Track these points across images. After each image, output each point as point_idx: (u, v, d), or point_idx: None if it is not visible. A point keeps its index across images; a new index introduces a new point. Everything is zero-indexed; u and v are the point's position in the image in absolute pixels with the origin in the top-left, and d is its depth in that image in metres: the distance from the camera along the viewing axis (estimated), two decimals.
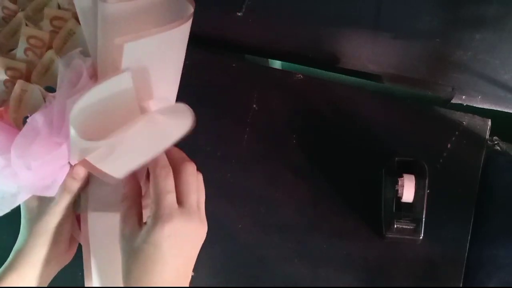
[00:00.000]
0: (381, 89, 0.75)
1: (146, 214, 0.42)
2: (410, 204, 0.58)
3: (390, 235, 0.59)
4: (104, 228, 0.44)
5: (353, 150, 0.66)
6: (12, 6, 0.39)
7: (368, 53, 0.68)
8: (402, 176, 0.57)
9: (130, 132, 0.36)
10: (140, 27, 0.31)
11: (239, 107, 0.70)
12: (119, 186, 0.44)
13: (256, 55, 0.78)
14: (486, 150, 0.62)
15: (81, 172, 0.42)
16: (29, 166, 0.34)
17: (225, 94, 0.71)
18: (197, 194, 0.41)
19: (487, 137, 0.63)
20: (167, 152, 0.42)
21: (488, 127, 0.63)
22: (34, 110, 0.36)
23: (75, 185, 0.43)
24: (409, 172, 0.58)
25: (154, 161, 0.40)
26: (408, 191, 0.57)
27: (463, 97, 0.66)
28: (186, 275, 0.40)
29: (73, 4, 0.36)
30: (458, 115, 0.64)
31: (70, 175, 0.42)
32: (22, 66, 0.37)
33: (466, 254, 0.60)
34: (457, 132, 0.63)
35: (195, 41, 0.75)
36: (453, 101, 0.67)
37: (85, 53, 0.36)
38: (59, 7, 0.39)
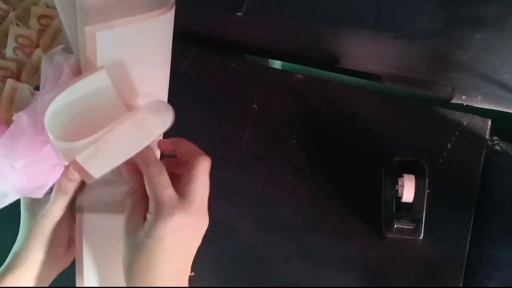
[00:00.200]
0: (381, 89, 0.75)
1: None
2: (410, 204, 0.58)
3: (390, 235, 0.59)
4: (100, 229, 0.43)
5: (353, 150, 0.66)
6: (4, 6, 0.40)
7: (368, 53, 0.68)
8: (402, 176, 0.57)
9: (115, 131, 0.35)
10: (120, 17, 0.30)
11: (239, 107, 0.70)
12: (116, 187, 0.43)
13: (256, 55, 0.78)
14: (486, 150, 0.62)
15: (76, 173, 0.40)
16: (13, 166, 0.34)
17: (225, 94, 0.71)
18: (204, 190, 0.40)
19: (487, 137, 0.63)
20: (179, 147, 0.41)
21: (488, 127, 0.63)
22: (24, 109, 0.36)
23: (71, 186, 0.42)
24: (409, 172, 0.58)
25: (145, 160, 0.39)
26: (408, 191, 0.57)
27: (463, 97, 0.67)
28: (187, 269, 0.40)
29: None
30: (458, 115, 0.64)
31: (65, 175, 0.41)
32: (12, 65, 0.37)
33: (466, 254, 0.60)
34: (457, 132, 0.63)
35: (195, 41, 0.75)
36: (453, 101, 0.67)
37: (69, 50, 0.36)
38: (47, 5, 0.39)
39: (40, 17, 0.38)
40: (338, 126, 0.67)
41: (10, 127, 0.34)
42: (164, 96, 0.42)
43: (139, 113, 0.36)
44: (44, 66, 0.34)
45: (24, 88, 0.37)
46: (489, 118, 0.63)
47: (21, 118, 0.33)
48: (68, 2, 0.30)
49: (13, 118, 0.33)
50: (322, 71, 0.75)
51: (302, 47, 0.72)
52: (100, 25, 0.29)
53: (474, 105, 0.67)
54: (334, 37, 0.69)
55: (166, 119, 0.36)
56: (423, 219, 0.58)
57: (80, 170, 0.36)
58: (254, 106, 0.70)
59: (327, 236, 0.64)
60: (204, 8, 0.74)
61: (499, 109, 0.66)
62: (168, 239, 0.37)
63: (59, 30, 0.38)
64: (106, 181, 0.43)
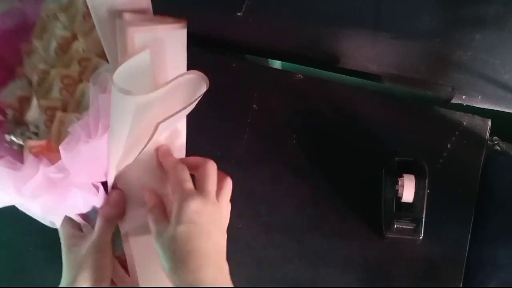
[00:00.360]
0: (381, 89, 0.75)
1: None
2: (410, 204, 0.58)
3: (390, 235, 0.59)
4: (148, 250, 0.44)
5: (353, 150, 0.66)
6: (46, 67, 0.44)
7: (368, 53, 0.68)
8: (402, 176, 0.57)
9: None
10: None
11: (239, 107, 0.70)
12: None
13: (256, 55, 0.78)
14: (486, 150, 0.62)
15: (118, 198, 0.43)
16: (77, 156, 0.36)
17: (225, 94, 0.71)
18: (221, 188, 0.44)
19: (487, 137, 0.63)
20: (186, 161, 0.45)
21: (488, 127, 0.63)
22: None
23: (113, 212, 0.43)
24: (409, 172, 0.58)
25: (171, 161, 0.44)
26: (408, 191, 0.57)
27: (463, 97, 0.67)
28: (224, 247, 0.42)
29: (96, 47, 0.42)
30: (458, 115, 0.64)
31: (107, 202, 0.42)
32: (58, 104, 0.42)
33: (466, 254, 0.60)
34: (457, 132, 0.63)
35: (195, 41, 0.75)
36: (453, 101, 0.67)
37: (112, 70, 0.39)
38: (83, 50, 0.45)
39: (80, 60, 0.43)
40: (338, 126, 0.67)
41: (67, 138, 0.37)
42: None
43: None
44: (91, 86, 0.38)
45: (71, 118, 0.40)
46: (489, 118, 0.63)
47: (75, 129, 0.37)
48: (105, 21, 0.35)
49: (69, 130, 0.37)
50: (322, 71, 0.75)
51: (302, 47, 0.72)
52: (139, 27, 0.34)
53: (474, 105, 0.67)
54: (334, 37, 0.69)
55: (199, 87, 0.41)
56: (423, 219, 0.58)
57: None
58: (254, 106, 0.70)
59: (327, 236, 0.64)
60: (204, 8, 0.74)
61: (499, 109, 0.66)
62: (197, 218, 0.40)
63: (97, 68, 0.43)
64: (143, 202, 0.44)
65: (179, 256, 0.39)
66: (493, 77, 0.63)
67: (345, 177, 0.65)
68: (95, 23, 0.36)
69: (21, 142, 0.41)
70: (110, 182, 0.42)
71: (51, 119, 0.41)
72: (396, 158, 0.60)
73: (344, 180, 0.65)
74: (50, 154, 0.39)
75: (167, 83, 0.36)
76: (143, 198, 0.44)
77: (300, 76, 0.70)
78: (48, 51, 0.45)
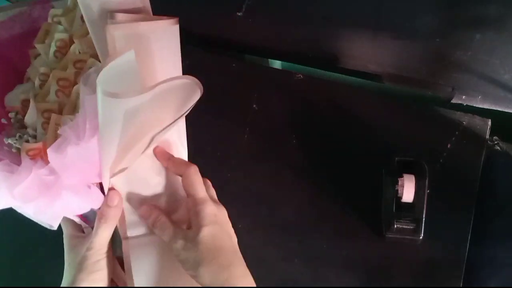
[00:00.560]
0: (381, 89, 0.75)
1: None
2: (410, 204, 0.58)
3: (390, 235, 0.59)
4: (145, 251, 0.45)
5: (353, 150, 0.66)
6: (46, 70, 0.45)
7: (368, 53, 0.68)
8: (402, 176, 0.57)
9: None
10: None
11: (239, 107, 0.70)
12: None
13: (256, 55, 0.78)
14: (486, 150, 0.62)
15: (116, 199, 0.43)
16: (65, 158, 0.36)
17: (225, 94, 0.71)
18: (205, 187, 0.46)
19: (487, 137, 0.63)
20: (171, 163, 0.46)
21: (488, 127, 0.63)
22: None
23: (112, 213, 0.43)
24: (409, 172, 0.58)
25: (183, 163, 0.45)
26: (408, 191, 0.57)
27: (463, 97, 0.67)
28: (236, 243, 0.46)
29: (90, 47, 0.43)
30: (458, 115, 0.64)
31: (105, 203, 0.43)
32: (55, 106, 0.42)
33: (466, 254, 0.60)
34: (457, 132, 0.63)
35: (195, 41, 0.75)
36: (453, 101, 0.67)
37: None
38: (79, 53, 0.45)
39: (75, 62, 0.44)
40: (338, 126, 0.67)
41: (57, 140, 0.37)
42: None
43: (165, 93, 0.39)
44: (82, 86, 0.38)
45: (66, 119, 0.40)
46: (489, 118, 0.63)
47: (66, 131, 0.37)
48: (97, 22, 0.35)
49: (58, 132, 0.37)
50: (322, 71, 0.75)
51: (302, 47, 0.72)
52: (120, 25, 0.34)
53: (474, 105, 0.67)
54: (334, 37, 0.69)
55: (193, 93, 0.40)
56: (423, 219, 0.57)
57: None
58: (254, 106, 0.70)
59: (327, 236, 0.64)
60: (204, 8, 0.74)
61: (499, 109, 0.66)
62: (216, 220, 0.43)
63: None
64: (142, 202, 0.45)
65: (210, 255, 0.41)
66: (493, 77, 0.63)
67: (345, 177, 0.65)
68: (87, 24, 0.36)
69: (18, 145, 0.41)
70: (105, 184, 0.42)
71: (48, 122, 0.41)
72: (396, 158, 0.60)
73: (344, 180, 0.65)
74: (46, 156, 0.39)
75: (155, 85, 0.36)
76: (140, 214, 0.45)
77: (300, 76, 0.70)
78: (49, 55, 0.46)
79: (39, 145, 0.40)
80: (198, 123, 0.70)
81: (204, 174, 0.46)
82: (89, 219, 0.47)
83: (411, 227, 0.58)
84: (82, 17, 0.45)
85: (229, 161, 0.68)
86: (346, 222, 0.63)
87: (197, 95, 0.40)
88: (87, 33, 0.43)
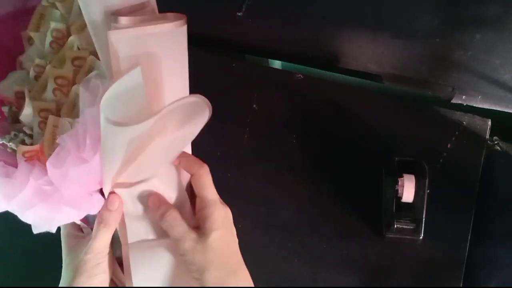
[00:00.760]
0: (381, 89, 0.75)
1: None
2: (410, 204, 0.58)
3: (390, 235, 0.59)
4: (145, 256, 0.44)
5: (353, 150, 0.66)
6: (41, 62, 0.43)
7: (368, 53, 0.68)
8: (402, 176, 0.57)
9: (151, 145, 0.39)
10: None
11: (239, 107, 0.70)
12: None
13: (256, 55, 0.78)
14: (486, 150, 0.62)
15: (116, 202, 0.42)
16: (66, 175, 0.35)
17: (225, 94, 0.71)
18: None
19: (487, 137, 0.63)
20: (184, 160, 0.45)
21: (488, 127, 0.63)
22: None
23: (112, 217, 0.42)
24: (409, 172, 0.58)
25: (195, 162, 0.44)
26: (408, 191, 0.57)
27: (463, 97, 0.67)
28: None
29: (90, 44, 0.40)
30: (458, 115, 0.64)
31: (105, 207, 0.42)
32: (52, 106, 0.41)
33: (466, 254, 0.60)
34: (457, 132, 0.63)
35: (195, 41, 0.75)
36: (453, 101, 0.67)
37: (103, 76, 0.38)
38: (78, 48, 0.43)
39: (73, 59, 0.42)
40: (338, 126, 0.67)
41: (56, 150, 0.36)
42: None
43: (170, 131, 0.39)
44: (82, 91, 0.36)
45: (64, 122, 0.39)
46: (489, 118, 0.63)
47: (65, 140, 0.36)
48: (100, 24, 0.33)
49: (57, 141, 0.36)
50: (322, 71, 0.75)
51: (302, 47, 0.72)
52: (122, 31, 0.31)
53: (474, 105, 0.67)
54: (334, 37, 0.69)
55: (202, 115, 0.38)
56: (423, 219, 0.57)
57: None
58: (254, 106, 0.70)
59: (327, 236, 0.64)
60: (204, 8, 0.74)
61: (499, 109, 0.66)
62: (226, 223, 0.43)
63: (91, 68, 0.41)
64: (144, 208, 0.44)
65: (218, 260, 0.41)
66: (493, 77, 0.63)
67: (345, 177, 0.65)
68: (88, 26, 0.34)
69: (14, 147, 0.40)
70: (106, 191, 0.41)
71: (44, 121, 0.40)
72: (396, 158, 0.60)
73: (344, 180, 0.65)
74: (44, 158, 0.38)
75: (163, 109, 0.33)
76: (149, 204, 0.43)
77: (300, 76, 0.70)
78: (44, 44, 0.43)
79: (35, 147, 0.39)
80: None
81: None
82: (89, 221, 0.46)
83: (411, 227, 0.58)
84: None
85: (229, 161, 0.68)
86: (346, 222, 0.63)
87: (205, 114, 0.38)
88: (86, 25, 0.41)
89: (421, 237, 0.58)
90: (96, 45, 0.35)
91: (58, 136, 0.38)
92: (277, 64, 0.86)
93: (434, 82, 0.67)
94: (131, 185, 0.41)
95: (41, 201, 0.37)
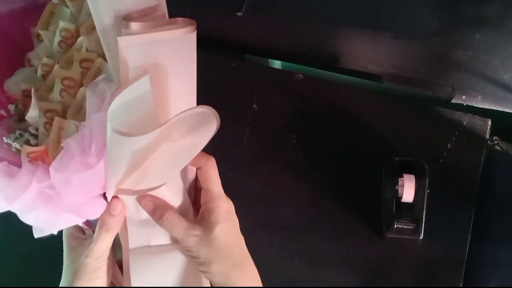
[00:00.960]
0: (381, 89, 0.75)
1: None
2: (410, 204, 0.58)
3: (390, 235, 0.59)
4: (146, 261, 0.44)
5: (353, 150, 0.66)
6: (49, 61, 0.42)
7: (368, 53, 0.68)
8: (402, 176, 0.57)
9: (156, 153, 0.39)
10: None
11: (239, 107, 0.70)
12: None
13: (256, 55, 0.78)
14: (486, 150, 0.62)
15: (118, 207, 0.42)
16: (69, 181, 0.35)
17: (225, 94, 0.71)
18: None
19: (487, 137, 0.63)
20: None
21: (488, 127, 0.63)
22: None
23: (113, 222, 0.42)
24: (409, 172, 0.58)
25: (203, 155, 0.44)
26: (408, 191, 0.57)
27: (463, 97, 0.67)
28: None
29: (99, 46, 0.39)
30: (458, 115, 0.64)
31: (107, 211, 0.42)
32: (58, 107, 0.40)
33: (466, 254, 0.60)
34: (457, 132, 0.63)
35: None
36: (453, 101, 0.67)
37: (111, 80, 0.38)
38: (87, 50, 0.42)
39: (81, 61, 0.41)
40: (338, 126, 0.67)
41: (60, 153, 0.36)
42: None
43: (176, 139, 0.38)
44: (89, 95, 0.36)
45: (70, 124, 0.38)
46: (489, 118, 0.63)
47: (69, 144, 0.35)
48: (110, 29, 0.33)
49: (62, 145, 0.35)
50: (322, 71, 0.75)
51: (302, 47, 0.72)
52: (131, 37, 0.31)
53: (474, 105, 0.67)
54: (334, 37, 0.69)
55: (210, 127, 0.38)
56: (423, 219, 0.57)
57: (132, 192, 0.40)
58: (254, 106, 0.70)
59: (327, 236, 0.64)
60: (204, 8, 0.74)
61: (499, 109, 0.66)
62: (230, 217, 0.43)
63: (100, 71, 0.41)
64: (147, 214, 0.44)
65: (223, 252, 0.41)
66: (493, 77, 0.63)
67: (345, 177, 0.65)
68: (98, 32, 0.33)
69: (18, 147, 0.40)
70: (109, 196, 0.41)
71: (50, 122, 0.40)
72: (396, 158, 0.60)
73: (344, 180, 0.65)
74: (48, 160, 0.38)
75: (170, 119, 0.33)
76: (143, 207, 0.43)
77: (300, 76, 0.70)
78: (53, 44, 0.43)
79: (40, 148, 0.38)
80: None
81: None
82: (91, 223, 0.46)
83: (411, 227, 0.58)
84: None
85: (229, 161, 0.68)
86: (346, 222, 0.63)
87: (213, 125, 0.38)
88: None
89: (421, 237, 0.58)
90: (104, 49, 0.35)
91: (63, 138, 0.38)
92: (277, 64, 0.86)
93: (434, 82, 0.67)
94: (134, 192, 0.40)
95: (43, 204, 0.37)
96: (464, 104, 0.67)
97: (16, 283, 0.73)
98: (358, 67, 0.70)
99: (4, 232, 0.74)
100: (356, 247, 0.63)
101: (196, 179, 0.45)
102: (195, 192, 0.46)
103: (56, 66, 0.42)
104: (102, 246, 0.42)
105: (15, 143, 0.40)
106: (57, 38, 0.43)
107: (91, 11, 0.32)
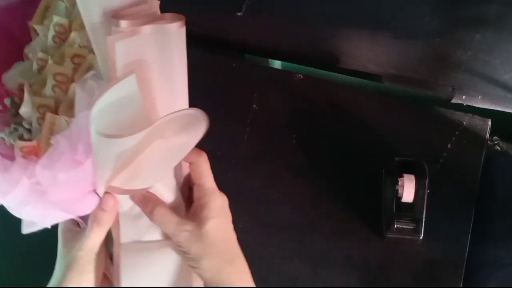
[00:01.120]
0: (381, 89, 0.75)
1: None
2: (410, 204, 0.58)
3: (390, 235, 0.59)
4: (138, 256, 0.44)
5: (353, 150, 0.66)
6: (44, 56, 0.42)
7: (368, 53, 0.68)
8: (402, 176, 0.57)
9: (146, 151, 0.38)
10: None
11: (239, 107, 0.70)
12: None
13: (256, 55, 0.78)
14: (486, 150, 0.62)
15: (111, 202, 0.42)
16: (55, 178, 0.35)
17: (225, 94, 0.71)
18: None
19: (487, 137, 0.63)
20: None
21: (488, 127, 0.63)
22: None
23: (106, 217, 0.42)
24: (409, 172, 0.58)
25: (196, 151, 0.43)
26: (408, 191, 0.57)
27: (463, 97, 0.67)
28: None
29: (90, 41, 0.39)
30: (458, 115, 0.64)
31: (99, 206, 0.41)
32: (51, 102, 0.40)
33: (466, 254, 0.60)
34: (457, 132, 0.63)
35: (195, 41, 0.75)
36: (453, 101, 0.67)
37: (100, 77, 0.38)
38: (79, 46, 0.42)
39: (73, 56, 0.41)
40: (338, 126, 0.67)
41: (49, 150, 0.35)
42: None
43: (167, 137, 0.38)
44: (78, 91, 0.36)
45: (61, 120, 0.38)
46: (489, 118, 0.63)
47: (59, 141, 0.35)
48: (99, 26, 0.33)
49: (51, 142, 0.35)
50: (322, 71, 0.75)
51: (302, 47, 0.72)
52: (120, 34, 0.31)
53: (474, 105, 0.67)
54: (334, 37, 0.69)
55: (199, 127, 0.39)
56: (423, 219, 0.57)
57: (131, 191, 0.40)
58: (254, 106, 0.70)
59: (327, 236, 0.64)
60: (204, 8, 0.74)
61: (499, 109, 0.66)
62: (223, 212, 0.43)
63: (91, 66, 0.41)
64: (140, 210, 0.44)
65: (214, 248, 0.41)
66: (493, 77, 0.63)
67: (345, 177, 0.65)
68: (87, 29, 0.33)
69: (12, 141, 0.40)
70: (100, 192, 0.41)
71: (43, 117, 0.39)
72: (396, 158, 0.60)
73: (344, 180, 0.65)
74: (41, 155, 0.38)
75: (157, 120, 0.33)
76: (135, 201, 0.43)
77: (300, 76, 0.70)
78: (47, 38, 0.43)
79: (33, 143, 0.38)
80: None
81: None
82: (85, 217, 0.46)
83: (411, 227, 0.58)
84: None
85: (229, 161, 0.68)
86: (346, 222, 0.63)
87: (202, 127, 0.38)
88: None
89: (421, 237, 0.58)
90: (94, 48, 0.35)
91: (55, 134, 0.37)
92: (277, 64, 0.86)
93: (434, 82, 0.67)
94: (124, 191, 0.40)
95: (36, 200, 0.37)
96: (464, 104, 0.67)
97: (16, 283, 0.73)
98: (358, 67, 0.70)
99: (4, 232, 0.74)
100: (356, 247, 0.63)
101: (190, 176, 0.45)
102: (188, 189, 0.46)
103: (50, 61, 0.42)
104: (94, 240, 0.42)
105: (8, 137, 0.40)
106: (51, 33, 0.42)
107: (80, 8, 0.32)
